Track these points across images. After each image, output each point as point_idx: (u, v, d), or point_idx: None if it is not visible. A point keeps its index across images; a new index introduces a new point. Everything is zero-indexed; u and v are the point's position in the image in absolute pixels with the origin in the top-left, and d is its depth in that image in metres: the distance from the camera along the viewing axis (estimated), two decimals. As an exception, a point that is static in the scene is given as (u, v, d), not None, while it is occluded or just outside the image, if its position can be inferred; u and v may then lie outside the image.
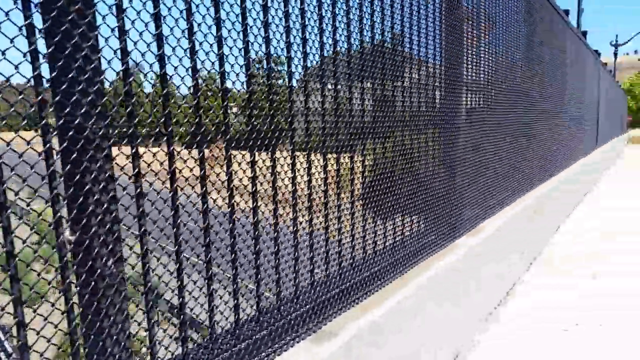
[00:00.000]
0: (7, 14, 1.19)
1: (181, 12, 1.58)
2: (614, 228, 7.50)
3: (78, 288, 1.37)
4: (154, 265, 1.58)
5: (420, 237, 3.18)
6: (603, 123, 15.55)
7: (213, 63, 1.71)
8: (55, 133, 1.30)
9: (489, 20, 4.28)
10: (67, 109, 1.30)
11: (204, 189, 1.67)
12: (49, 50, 1.27)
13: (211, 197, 1.74)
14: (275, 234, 1.99)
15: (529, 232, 5.59)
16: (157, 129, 1.57)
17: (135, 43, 1.46)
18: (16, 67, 1.20)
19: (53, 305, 1.33)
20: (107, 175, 1.41)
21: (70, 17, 1.30)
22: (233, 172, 1.79)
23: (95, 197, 1.38)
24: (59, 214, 1.28)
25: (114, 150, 1.44)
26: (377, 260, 2.73)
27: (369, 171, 2.65)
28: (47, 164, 1.25)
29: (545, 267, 5.63)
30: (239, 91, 1.93)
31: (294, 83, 2.06)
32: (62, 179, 1.32)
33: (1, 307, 1.20)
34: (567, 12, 8.12)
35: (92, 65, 1.36)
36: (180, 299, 1.62)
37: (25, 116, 1.23)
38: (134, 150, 1.46)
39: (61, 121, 1.30)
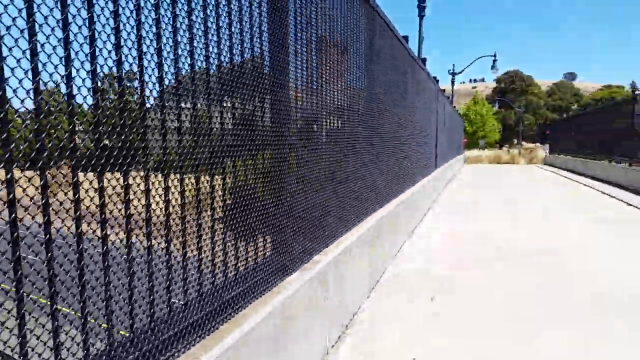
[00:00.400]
0: None
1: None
2: (450, 249, 7.77)
3: None
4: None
5: (238, 283, 2.75)
6: (442, 145, 16.62)
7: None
8: None
9: (316, 32, 4.04)
10: None
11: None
12: None
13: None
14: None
15: (369, 256, 5.47)
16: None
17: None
18: None
19: None
20: None
21: None
22: None
23: None
24: None
25: None
26: (177, 320, 2.24)
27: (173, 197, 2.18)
28: None
29: (385, 292, 5.53)
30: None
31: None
32: None
33: None
34: (406, 38, 8.33)
35: None
36: None
37: None
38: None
39: None
